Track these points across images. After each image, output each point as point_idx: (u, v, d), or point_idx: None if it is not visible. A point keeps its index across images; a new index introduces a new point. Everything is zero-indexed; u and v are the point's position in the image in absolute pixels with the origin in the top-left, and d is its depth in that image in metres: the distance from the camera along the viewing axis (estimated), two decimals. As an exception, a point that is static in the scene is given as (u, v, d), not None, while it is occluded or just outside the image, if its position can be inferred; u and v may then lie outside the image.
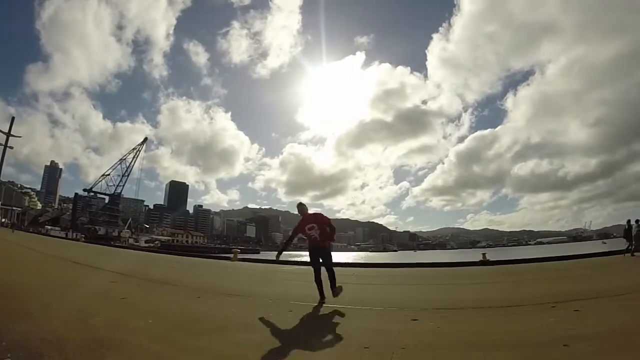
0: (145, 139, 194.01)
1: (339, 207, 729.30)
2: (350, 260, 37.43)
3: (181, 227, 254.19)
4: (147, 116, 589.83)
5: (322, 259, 9.48)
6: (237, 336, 5.95)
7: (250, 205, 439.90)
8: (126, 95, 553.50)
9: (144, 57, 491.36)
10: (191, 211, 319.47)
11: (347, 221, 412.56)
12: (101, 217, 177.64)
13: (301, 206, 10.15)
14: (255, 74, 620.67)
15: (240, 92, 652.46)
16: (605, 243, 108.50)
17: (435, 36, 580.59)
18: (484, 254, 26.10)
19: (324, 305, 8.89)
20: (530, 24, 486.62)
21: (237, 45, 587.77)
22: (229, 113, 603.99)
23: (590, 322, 6.19)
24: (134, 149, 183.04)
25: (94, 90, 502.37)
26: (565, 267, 19.97)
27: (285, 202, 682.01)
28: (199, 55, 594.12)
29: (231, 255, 34.92)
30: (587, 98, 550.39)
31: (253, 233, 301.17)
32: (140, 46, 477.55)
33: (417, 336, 5.80)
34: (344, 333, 6.14)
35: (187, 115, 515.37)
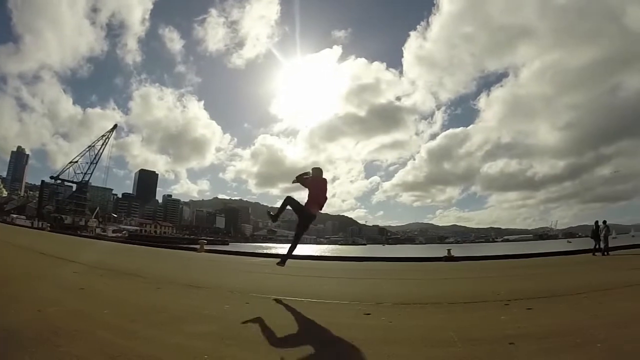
0: (115, 126, 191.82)
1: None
2: (317, 254, 37.57)
3: (150, 217, 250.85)
4: (119, 102, 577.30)
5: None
6: (190, 327, 5.83)
7: (221, 196, 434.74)
8: (98, 80, 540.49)
9: (117, 41, 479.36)
10: (160, 201, 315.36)
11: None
12: (68, 206, 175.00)
13: (318, 170, 10.22)
14: (231, 64, 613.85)
15: (214, 81, 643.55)
16: (570, 242, 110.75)
17: (412, 34, 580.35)
18: (448, 250, 26.51)
19: (281, 298, 8.88)
20: (507, 27, 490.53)
21: (214, 33, 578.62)
22: (202, 102, 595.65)
23: (540, 320, 6.25)
24: (103, 135, 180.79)
25: (64, 74, 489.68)
26: (528, 265, 20.28)
27: (256, 193, 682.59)
28: (174, 41, 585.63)
29: (198, 247, 34.81)
30: (558, 102, 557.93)
31: (222, 224, 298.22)
32: (114, 30, 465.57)
33: (366, 331, 5.80)
34: (293, 326, 6.19)
35: (159, 103, 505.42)
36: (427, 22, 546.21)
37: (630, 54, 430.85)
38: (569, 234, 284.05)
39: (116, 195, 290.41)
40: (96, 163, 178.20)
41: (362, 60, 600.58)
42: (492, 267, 19.52)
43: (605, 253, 24.85)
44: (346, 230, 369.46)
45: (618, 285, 10.18)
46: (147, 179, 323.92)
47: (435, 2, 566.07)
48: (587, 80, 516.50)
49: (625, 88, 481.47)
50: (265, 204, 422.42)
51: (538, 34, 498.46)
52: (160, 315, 6.71)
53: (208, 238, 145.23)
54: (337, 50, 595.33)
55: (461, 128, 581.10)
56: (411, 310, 7.70)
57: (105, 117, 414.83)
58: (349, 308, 7.87)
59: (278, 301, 8.55)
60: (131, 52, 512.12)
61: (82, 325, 5.55)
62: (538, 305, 7.60)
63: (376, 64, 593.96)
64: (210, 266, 19.71)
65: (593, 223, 26.24)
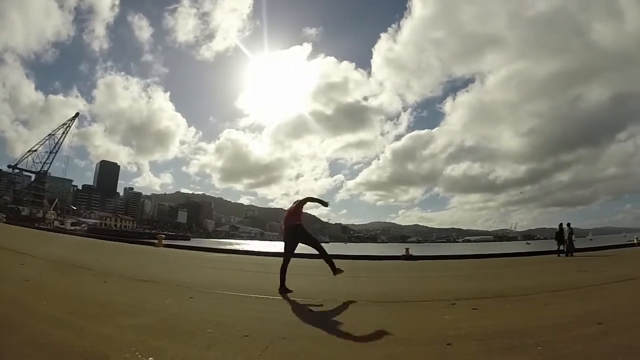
0: (77, 114, 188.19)
1: (273, 197, 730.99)
2: (280, 251, 37.44)
3: (110, 210, 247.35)
4: (82, 90, 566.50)
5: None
6: (127, 320, 5.91)
7: (183, 190, 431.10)
8: (62, 66, 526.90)
9: (85, 26, 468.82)
10: (122, 194, 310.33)
11: (280, 211, 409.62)
12: (26, 197, 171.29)
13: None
14: (199, 56, 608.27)
15: (182, 72, 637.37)
16: (529, 244, 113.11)
17: (383, 35, 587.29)
18: (407, 249, 26.61)
19: (225, 293, 9.11)
20: (476, 34, 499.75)
21: (184, 23, 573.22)
22: (168, 93, 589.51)
23: (483, 321, 6.22)
24: (64, 124, 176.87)
25: (28, 58, 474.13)
26: (486, 265, 20.53)
27: (219, 188, 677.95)
28: (142, 30, 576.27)
29: (156, 241, 34.39)
30: (521, 109, 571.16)
31: (185, 219, 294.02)
32: (82, 15, 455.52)
33: (304, 327, 5.92)
34: (232, 320, 6.19)
35: (124, 92, 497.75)
36: (399, 25, 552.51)
37: (593, 68, 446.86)
38: (528, 236, 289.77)
39: (76, 186, 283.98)
40: (56, 152, 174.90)
41: (332, 59, 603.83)
42: (448, 267, 19.76)
43: (570, 254, 25.37)
44: (309, 227, 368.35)
45: (569, 287, 10.23)
46: (108, 171, 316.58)
47: (407, 6, 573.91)
48: (551, 90, 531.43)
49: (586, 100, 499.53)
50: (228, 199, 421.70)
51: (506, 43, 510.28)
52: (100, 307, 6.81)
53: (170, 233, 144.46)
54: (307, 47, 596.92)
55: (426, 130, 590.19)
56: (357, 308, 7.65)
57: (68, 104, 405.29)
58: (292, 304, 7.90)
59: (222, 296, 8.70)
60: (98, 38, 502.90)
61: (18, 317, 5.68)
62: (484, 305, 7.61)
63: (345, 63, 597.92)
64: (164, 261, 19.54)
65: (551, 226, 26.95)
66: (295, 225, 9.72)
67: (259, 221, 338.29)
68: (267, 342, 4.90)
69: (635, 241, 36.94)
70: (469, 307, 7.35)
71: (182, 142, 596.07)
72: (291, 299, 8.48)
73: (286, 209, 10.40)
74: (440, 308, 7.49)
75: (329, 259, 9.61)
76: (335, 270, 9.46)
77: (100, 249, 25.15)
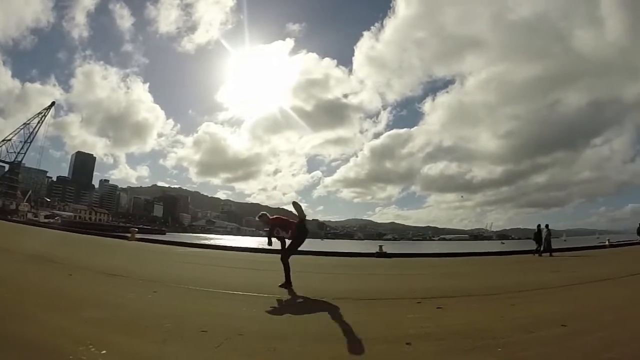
0: (53, 103, 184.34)
1: (250, 192, 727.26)
2: (254, 246, 37.42)
3: (85, 203, 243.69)
4: (60, 79, 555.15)
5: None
6: (87, 313, 5.92)
7: (160, 184, 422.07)
8: (40, 53, 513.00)
9: (65, 13, 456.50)
10: (97, 186, 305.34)
11: (257, 206, 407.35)
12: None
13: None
14: (181, 47, 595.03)
15: (162, 63, 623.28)
16: (504, 243, 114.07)
17: (366, 34, 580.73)
18: (380, 246, 26.48)
19: (190, 288, 9.09)
20: (458, 36, 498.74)
21: (167, 14, 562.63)
22: (147, 84, 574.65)
23: (447, 320, 6.21)
24: (39, 113, 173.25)
25: (6, 44, 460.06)
26: (460, 264, 20.60)
27: (196, 182, 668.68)
28: (124, 18, 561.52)
29: (129, 235, 34.03)
30: (500, 112, 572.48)
31: (160, 213, 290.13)
32: (63, 1, 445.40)
33: (263, 323, 5.92)
34: (192, 315, 6.24)
35: (102, 82, 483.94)
36: (382, 24, 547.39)
37: (573, 73, 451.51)
38: (503, 235, 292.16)
39: (51, 178, 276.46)
40: (31, 142, 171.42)
41: (314, 55, 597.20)
42: (421, 265, 19.70)
43: (549, 254, 25.62)
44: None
45: (538, 287, 10.25)
46: (84, 162, 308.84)
47: (391, 5, 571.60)
48: (530, 94, 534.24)
49: (565, 104, 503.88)
50: (205, 194, 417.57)
51: (487, 46, 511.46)
52: (61, 300, 6.86)
53: (145, 227, 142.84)
54: (290, 43, 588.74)
55: (405, 129, 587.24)
56: (324, 305, 7.56)
57: (45, 93, 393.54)
58: (256, 300, 7.81)
59: (187, 291, 8.68)
60: (78, 26, 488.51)
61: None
62: (450, 304, 7.58)
63: (327, 60, 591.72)
64: (135, 255, 19.42)
65: (526, 226, 27.48)
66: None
67: (235, 216, 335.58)
68: (223, 338, 4.89)
69: (606, 243, 37.36)
70: (435, 306, 7.32)
71: (160, 135, 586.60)
72: (258, 295, 8.39)
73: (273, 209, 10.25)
74: (406, 306, 7.46)
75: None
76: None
77: (72, 242, 25.10)
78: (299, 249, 9.97)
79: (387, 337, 5.16)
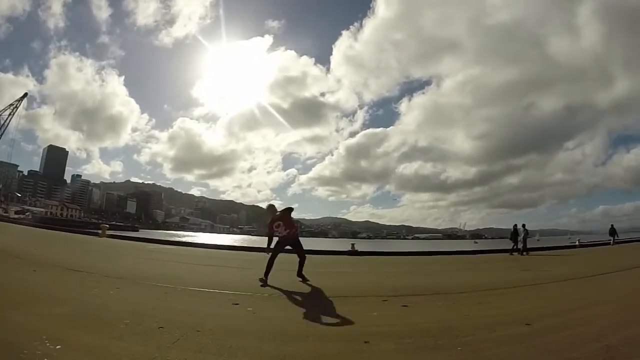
0: (25, 95, 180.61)
1: (225, 189, 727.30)
2: (227, 244, 37.19)
3: (57, 199, 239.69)
4: (34, 69, 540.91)
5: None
6: (45, 309, 5.90)
7: (133, 179, 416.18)
8: (14, 42, 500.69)
9: (42, 2, 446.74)
10: (69, 181, 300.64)
11: (231, 203, 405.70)
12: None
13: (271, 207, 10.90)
14: (158, 41, 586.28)
15: (138, 56, 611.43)
16: (477, 242, 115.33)
17: (345, 33, 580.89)
18: (352, 244, 26.54)
19: (155, 285, 9.05)
20: (436, 39, 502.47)
21: (145, 6, 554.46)
22: (123, 77, 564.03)
23: (411, 319, 6.17)
24: (11, 104, 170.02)
25: None
26: (429, 262, 20.56)
27: (170, 178, 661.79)
28: (101, 9, 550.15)
29: (99, 231, 33.58)
30: (475, 113, 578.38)
31: (134, 209, 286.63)
32: None
33: (222, 320, 5.90)
34: (152, 311, 6.21)
35: (77, 74, 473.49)
36: (361, 24, 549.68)
37: (547, 78, 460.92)
38: (476, 235, 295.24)
39: (22, 172, 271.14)
40: (2, 135, 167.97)
41: (292, 53, 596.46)
42: (392, 263, 19.69)
43: (524, 253, 25.89)
44: (260, 221, 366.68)
45: (507, 285, 10.26)
46: (56, 157, 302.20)
47: (371, 6, 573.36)
48: (505, 97, 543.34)
49: (539, 108, 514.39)
50: (179, 190, 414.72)
51: (464, 49, 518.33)
52: (22, 296, 6.87)
53: (118, 224, 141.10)
54: (269, 39, 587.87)
55: (381, 129, 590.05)
56: (284, 302, 7.63)
57: (17, 84, 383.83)
58: (220, 297, 7.81)
59: (150, 287, 8.73)
60: (55, 15, 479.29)
61: None
62: (416, 302, 7.56)
63: (305, 58, 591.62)
64: (103, 251, 19.01)
65: (499, 226, 27.73)
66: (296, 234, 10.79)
67: (209, 213, 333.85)
68: (180, 334, 4.92)
69: (577, 243, 37.96)
70: (400, 304, 7.28)
71: (135, 129, 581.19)
72: (222, 291, 8.34)
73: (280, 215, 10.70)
74: (372, 304, 7.42)
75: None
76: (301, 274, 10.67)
77: (41, 239, 24.76)
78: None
79: (347, 335, 5.17)
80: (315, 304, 7.46)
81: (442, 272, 14.91)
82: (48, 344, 4.23)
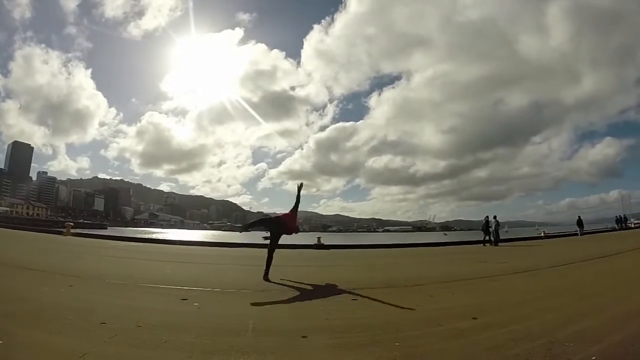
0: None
1: (194, 184, 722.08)
2: (196, 239, 37.00)
3: (22, 197, 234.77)
4: None
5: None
6: None
7: (101, 175, 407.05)
8: None
9: None
10: (34, 178, 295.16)
11: (201, 198, 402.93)
12: None
13: None
14: (127, 33, 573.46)
15: (106, 49, 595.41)
16: (446, 234, 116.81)
17: (316, 27, 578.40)
18: (318, 238, 26.63)
19: (109, 281, 9.03)
20: (407, 34, 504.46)
21: None
22: (90, 70, 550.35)
23: (357, 312, 6.18)
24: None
25: None
26: (395, 255, 20.64)
27: (139, 174, 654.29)
28: None
29: (64, 230, 33.02)
30: (444, 108, 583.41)
31: (102, 206, 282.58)
32: None
33: (166, 316, 5.88)
34: (98, 308, 6.22)
35: (43, 67, 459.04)
36: (332, 18, 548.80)
37: (515, 75, 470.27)
38: (446, 227, 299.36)
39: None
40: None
41: (262, 46, 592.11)
42: (356, 256, 19.84)
43: (496, 244, 26.70)
44: (230, 216, 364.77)
45: (464, 277, 10.34)
46: (21, 153, 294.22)
47: (343, 0, 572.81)
48: (473, 92, 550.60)
49: (506, 103, 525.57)
50: (148, 186, 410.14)
51: (434, 45, 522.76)
52: None
53: (85, 222, 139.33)
54: (239, 32, 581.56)
55: (351, 123, 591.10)
56: (232, 297, 7.66)
57: None
58: (170, 293, 7.80)
59: (104, 284, 8.72)
60: (21, 6, 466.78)
61: None
62: (367, 296, 7.54)
63: (276, 51, 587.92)
64: (65, 250, 18.68)
65: (468, 218, 28.37)
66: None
67: (179, 209, 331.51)
68: (120, 330, 4.97)
69: (542, 234, 38.66)
70: (350, 298, 7.32)
71: (102, 124, 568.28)
72: (172, 287, 8.39)
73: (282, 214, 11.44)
74: (322, 298, 7.45)
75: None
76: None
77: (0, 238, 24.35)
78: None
79: (287, 329, 5.18)
80: (264, 298, 7.38)
81: (402, 265, 15.03)
82: (-10, 340, 4.28)
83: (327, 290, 8.26)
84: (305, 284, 9.29)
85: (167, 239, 34.30)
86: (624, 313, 6.15)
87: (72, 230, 32.27)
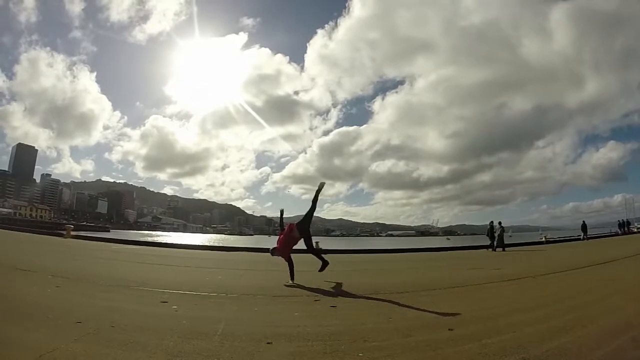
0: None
1: (198, 187, 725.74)
2: (199, 243, 37.01)
3: (26, 199, 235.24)
4: (3, 65, 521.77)
5: None
6: None
7: (105, 178, 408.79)
8: None
9: None
10: (38, 180, 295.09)
11: (204, 202, 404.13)
12: None
13: None
14: (132, 37, 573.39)
15: (111, 53, 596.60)
16: (449, 239, 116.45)
17: (319, 32, 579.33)
18: (316, 242, 26.38)
19: (97, 283, 9.16)
20: (410, 39, 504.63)
21: (119, 2, 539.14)
22: (94, 74, 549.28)
23: (331, 320, 6.09)
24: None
25: None
26: (390, 260, 20.77)
27: (142, 177, 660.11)
28: (74, 3, 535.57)
29: (64, 232, 33.03)
30: (448, 113, 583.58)
31: (105, 209, 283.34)
32: None
33: (141, 317, 5.96)
34: (78, 308, 6.36)
35: (48, 70, 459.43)
36: (336, 23, 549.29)
37: (519, 79, 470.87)
38: (449, 232, 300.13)
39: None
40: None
41: (266, 51, 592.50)
42: (350, 261, 19.75)
43: (502, 250, 26.52)
44: (233, 220, 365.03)
45: (452, 285, 10.19)
46: (25, 155, 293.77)
47: (346, 5, 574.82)
48: (477, 97, 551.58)
49: (510, 107, 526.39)
50: (151, 189, 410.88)
51: (438, 50, 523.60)
52: None
53: (88, 224, 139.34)
54: (243, 37, 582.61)
55: (354, 127, 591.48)
56: (210, 300, 7.70)
57: None
58: (152, 295, 7.90)
59: (91, 286, 8.84)
60: (27, 10, 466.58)
61: None
62: (347, 303, 7.63)
63: (279, 56, 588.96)
64: (61, 252, 18.96)
65: (471, 223, 28.18)
66: None
67: (182, 212, 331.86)
68: (92, 329, 5.08)
69: (543, 239, 38.44)
70: (330, 305, 7.29)
71: (106, 127, 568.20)
72: (155, 290, 8.51)
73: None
74: (301, 304, 7.48)
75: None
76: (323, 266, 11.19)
77: (0, 240, 25.02)
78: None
79: (254, 335, 5.12)
80: (246, 303, 7.47)
81: (393, 271, 15.12)
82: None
83: (308, 296, 8.22)
84: (288, 290, 9.25)
85: (167, 242, 34.41)
86: (612, 326, 5.66)
87: (73, 233, 32.37)
